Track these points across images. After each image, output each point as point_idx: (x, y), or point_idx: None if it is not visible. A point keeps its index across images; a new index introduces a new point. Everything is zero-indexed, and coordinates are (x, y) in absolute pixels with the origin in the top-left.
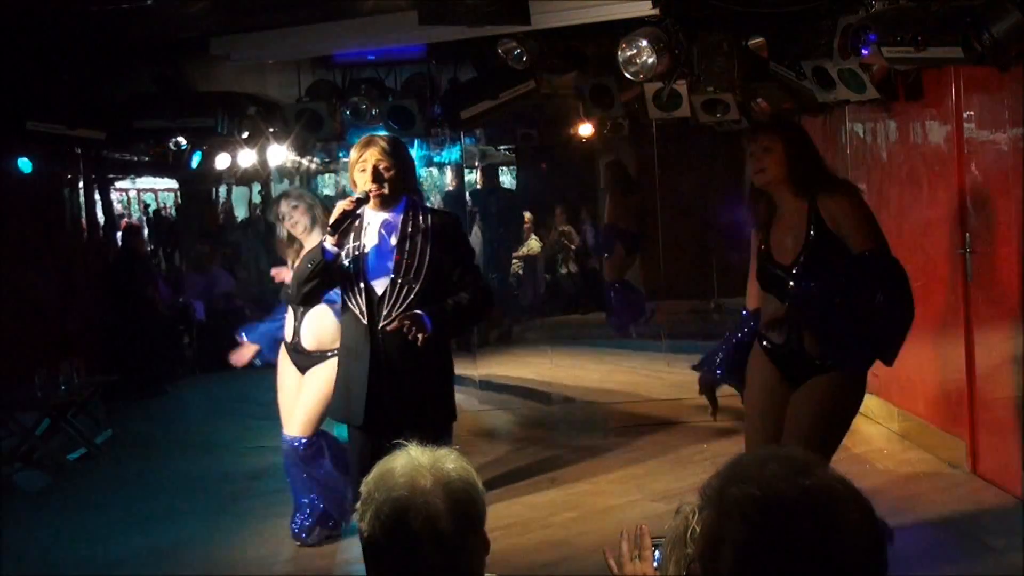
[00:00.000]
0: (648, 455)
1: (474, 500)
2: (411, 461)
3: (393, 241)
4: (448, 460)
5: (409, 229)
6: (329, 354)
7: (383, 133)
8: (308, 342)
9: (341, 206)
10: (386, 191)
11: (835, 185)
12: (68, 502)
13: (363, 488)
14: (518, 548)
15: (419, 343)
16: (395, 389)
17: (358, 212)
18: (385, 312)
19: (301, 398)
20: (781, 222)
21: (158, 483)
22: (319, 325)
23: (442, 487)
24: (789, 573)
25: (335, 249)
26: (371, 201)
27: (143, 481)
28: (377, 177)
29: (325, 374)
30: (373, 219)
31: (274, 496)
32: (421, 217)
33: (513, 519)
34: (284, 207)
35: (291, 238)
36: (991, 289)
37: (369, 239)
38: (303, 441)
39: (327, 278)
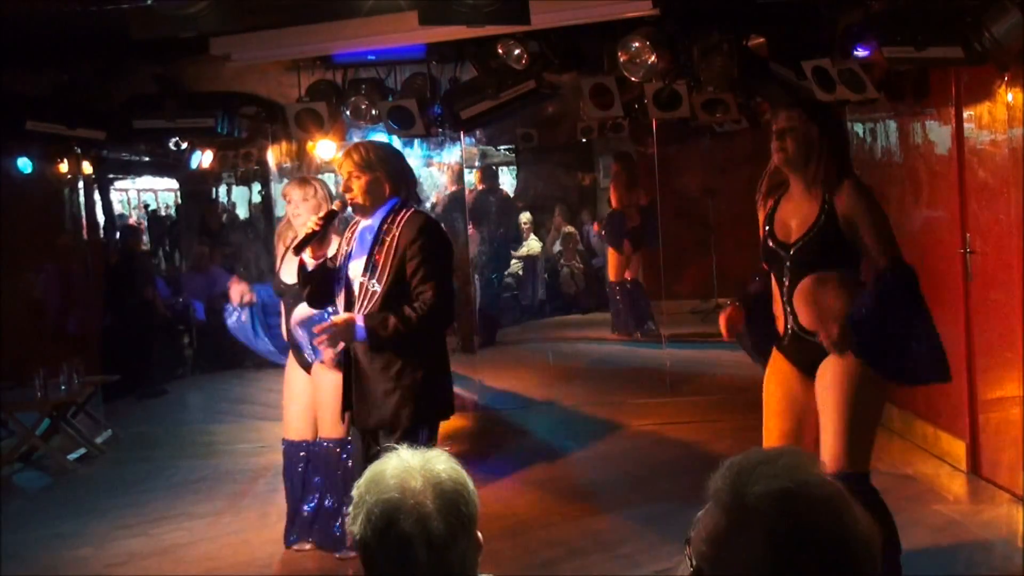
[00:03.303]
0: (649, 456)
1: (465, 501)
2: (402, 463)
3: (369, 244)
4: (439, 461)
5: (383, 232)
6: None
7: (371, 138)
8: (299, 333)
9: (308, 226)
10: (359, 201)
11: (852, 184)
12: (68, 502)
13: (354, 491)
14: (518, 548)
15: (330, 349)
16: (361, 389)
17: (335, 224)
18: (356, 310)
19: (324, 400)
20: (790, 202)
21: (158, 483)
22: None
23: (432, 488)
24: (821, 560)
25: (312, 261)
26: (353, 209)
27: (143, 481)
28: (348, 188)
29: (334, 374)
30: (361, 225)
31: (274, 496)
32: (396, 221)
33: (513, 519)
34: (295, 195)
35: (289, 223)
36: (991, 289)
37: (354, 244)
38: (334, 443)
39: (320, 283)
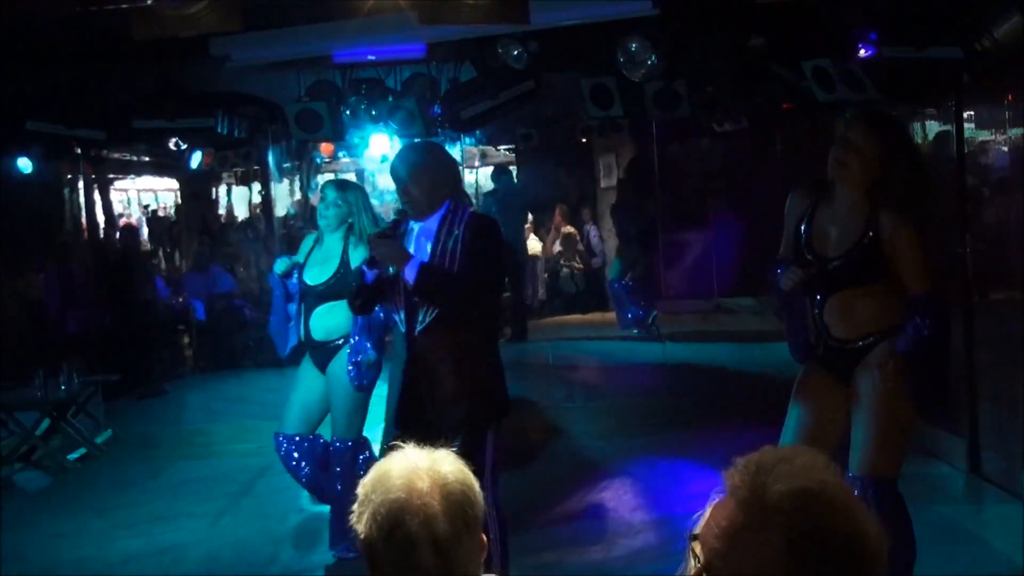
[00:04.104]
0: (648, 457)
1: (471, 502)
2: (408, 463)
3: (429, 247)
4: (445, 462)
5: (444, 234)
6: (339, 341)
7: (408, 143)
8: (318, 334)
9: (382, 229)
10: (422, 205)
11: (906, 212)
12: (68, 502)
13: (360, 490)
14: (518, 548)
15: (366, 269)
16: (429, 389)
17: (400, 231)
18: (420, 315)
19: (339, 401)
20: (831, 210)
21: (158, 483)
22: (328, 316)
23: (439, 489)
24: (837, 559)
25: (373, 272)
26: (412, 214)
27: (143, 481)
28: (407, 192)
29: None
30: (416, 228)
31: (274, 496)
32: (457, 222)
33: (512, 519)
34: (330, 195)
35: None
36: (991, 289)
37: (410, 247)
38: (349, 444)
39: (374, 293)
